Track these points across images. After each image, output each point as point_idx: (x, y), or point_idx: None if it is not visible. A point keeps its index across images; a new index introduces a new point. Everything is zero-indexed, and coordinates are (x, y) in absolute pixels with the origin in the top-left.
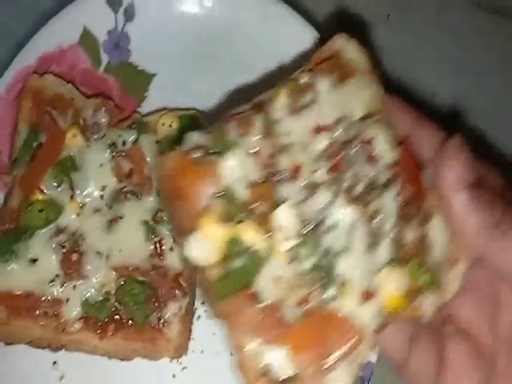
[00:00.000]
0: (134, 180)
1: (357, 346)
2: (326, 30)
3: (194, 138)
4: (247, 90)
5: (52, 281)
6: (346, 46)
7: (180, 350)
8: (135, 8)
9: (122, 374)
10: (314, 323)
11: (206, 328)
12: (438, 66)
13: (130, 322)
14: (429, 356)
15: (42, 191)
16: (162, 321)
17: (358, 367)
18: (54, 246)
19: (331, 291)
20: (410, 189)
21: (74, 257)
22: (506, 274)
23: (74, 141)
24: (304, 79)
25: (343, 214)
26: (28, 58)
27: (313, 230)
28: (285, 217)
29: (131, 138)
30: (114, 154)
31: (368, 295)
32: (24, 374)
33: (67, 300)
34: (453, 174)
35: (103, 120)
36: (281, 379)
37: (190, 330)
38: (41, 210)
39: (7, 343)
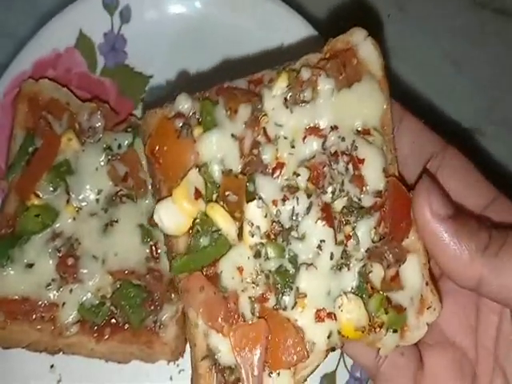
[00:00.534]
0: (130, 183)
1: (304, 359)
2: (321, 25)
3: (183, 101)
4: None
5: (48, 285)
6: (362, 43)
7: (177, 353)
8: (131, 10)
9: (119, 377)
10: (268, 325)
11: None
12: (439, 65)
13: (126, 325)
14: (406, 366)
15: (37, 196)
16: (158, 324)
17: (302, 378)
18: (50, 250)
19: (289, 299)
20: (388, 225)
21: (70, 261)
22: (504, 300)
23: (69, 145)
24: (307, 74)
25: (314, 228)
26: (24, 62)
27: (283, 233)
28: (256, 213)
29: (126, 142)
30: (110, 157)
31: (323, 315)
32: (22, 377)
33: (63, 304)
34: (428, 209)
35: (98, 124)
36: (221, 366)
37: None
38: (37, 215)
39: (4, 347)
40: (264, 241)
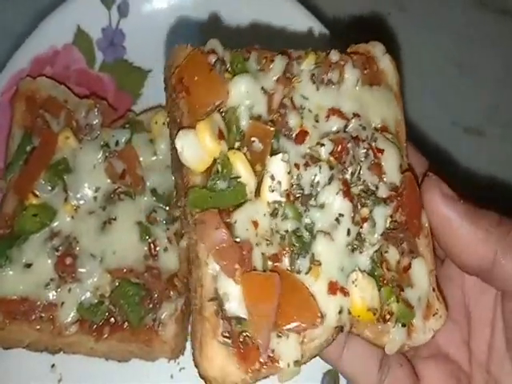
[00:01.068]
0: (128, 180)
1: (313, 327)
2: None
3: (215, 44)
4: None
5: (47, 285)
6: (380, 57)
7: (177, 351)
8: (129, 4)
9: (119, 376)
10: (281, 283)
11: None
12: (442, 66)
13: (126, 324)
14: (405, 378)
15: (35, 195)
16: (157, 322)
17: (310, 352)
18: (48, 250)
19: (304, 263)
20: (405, 213)
21: (69, 260)
22: None
23: (66, 143)
24: (336, 57)
25: (334, 199)
26: (22, 60)
27: (302, 198)
28: (280, 167)
29: (124, 138)
30: (107, 154)
31: (337, 288)
32: (23, 377)
33: (62, 303)
34: (439, 192)
35: (96, 121)
36: (229, 315)
37: (188, 330)
38: (35, 215)
39: (4, 348)
40: (283, 199)
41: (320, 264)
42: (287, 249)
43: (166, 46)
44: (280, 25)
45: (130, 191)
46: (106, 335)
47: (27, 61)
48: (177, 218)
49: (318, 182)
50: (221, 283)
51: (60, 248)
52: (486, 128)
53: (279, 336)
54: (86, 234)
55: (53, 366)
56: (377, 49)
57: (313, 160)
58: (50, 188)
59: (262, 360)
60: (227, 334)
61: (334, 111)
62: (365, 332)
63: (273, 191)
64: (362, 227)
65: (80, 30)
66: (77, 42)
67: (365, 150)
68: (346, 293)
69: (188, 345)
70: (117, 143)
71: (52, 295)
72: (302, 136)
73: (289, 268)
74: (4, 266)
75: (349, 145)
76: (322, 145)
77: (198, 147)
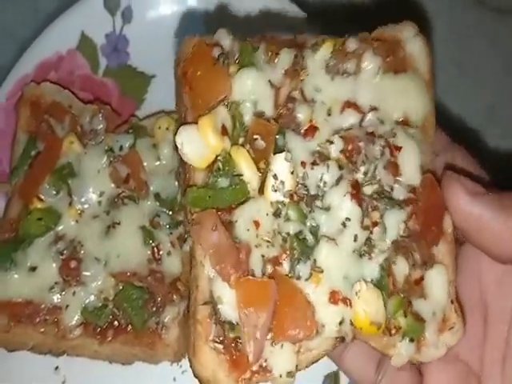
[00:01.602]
0: (131, 185)
1: (309, 339)
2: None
3: (223, 35)
4: None
5: (51, 288)
6: (411, 39)
7: (179, 354)
8: (133, 10)
9: (123, 378)
10: (278, 289)
11: None
12: (441, 65)
13: (129, 327)
14: (407, 382)
15: (40, 199)
16: (160, 325)
17: (306, 361)
18: (53, 253)
19: (304, 269)
20: (420, 222)
21: (73, 264)
22: None
23: (71, 148)
24: (353, 45)
25: (341, 202)
26: (27, 66)
27: (307, 199)
28: (283, 166)
29: (128, 143)
30: (112, 159)
31: (338, 298)
32: (27, 379)
33: (67, 307)
34: (464, 189)
35: (100, 126)
36: (222, 319)
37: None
38: (39, 219)
39: (9, 350)
40: (286, 200)
41: (322, 271)
42: (288, 252)
43: (170, 52)
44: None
45: (134, 196)
46: (109, 338)
47: (32, 66)
48: (180, 223)
49: (325, 183)
50: (216, 286)
51: (64, 252)
52: (486, 128)
53: (273, 345)
54: (90, 237)
55: (56, 368)
56: (407, 30)
57: (322, 158)
58: (54, 192)
59: (253, 369)
60: (219, 340)
61: (350, 104)
62: (369, 342)
63: (276, 191)
64: (371, 232)
65: (84, 36)
66: (81, 48)
67: (380, 148)
68: (348, 303)
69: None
70: (121, 148)
71: (56, 298)
72: (311, 131)
73: (288, 273)
74: (9, 269)
75: (360, 143)
76: (331, 142)
77: (199, 143)
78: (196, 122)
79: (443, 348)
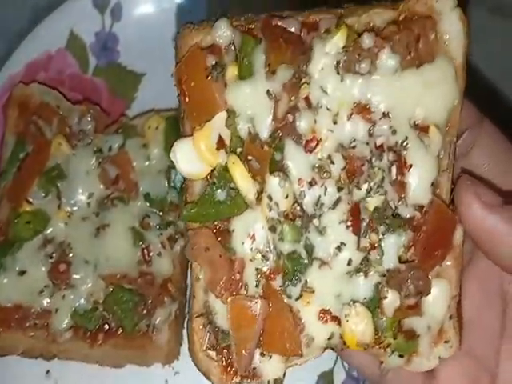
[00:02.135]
0: (121, 186)
1: (297, 355)
2: None
3: (223, 28)
4: None
5: (41, 292)
6: (447, 14)
7: (171, 356)
8: (122, 8)
9: (114, 381)
10: (269, 305)
11: None
12: None
13: (120, 330)
14: (413, 375)
15: (29, 202)
16: (151, 328)
17: (295, 365)
18: (42, 257)
19: (295, 290)
20: (418, 253)
21: (62, 267)
22: None
23: (59, 149)
24: (369, 42)
25: (337, 227)
26: (16, 66)
27: (303, 218)
28: (277, 191)
29: (117, 143)
30: (101, 160)
31: (328, 318)
32: (18, 383)
33: (56, 310)
34: (477, 201)
35: (89, 126)
36: (216, 328)
37: (182, 335)
38: (28, 222)
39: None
40: (281, 219)
41: (313, 291)
42: (281, 269)
43: (161, 49)
44: None
45: (124, 197)
46: (100, 341)
47: (21, 66)
48: (170, 223)
49: (322, 204)
50: (210, 298)
51: (54, 255)
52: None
53: (262, 354)
54: (79, 240)
55: (48, 372)
56: (443, 1)
57: (321, 174)
58: (43, 195)
59: (243, 374)
60: (213, 347)
61: (360, 109)
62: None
63: (270, 210)
64: (369, 253)
65: (73, 35)
66: (70, 47)
67: (388, 164)
68: (338, 321)
69: (182, 350)
70: (110, 149)
71: (46, 302)
72: (312, 143)
73: (280, 289)
74: None
75: (363, 167)
76: (332, 162)
77: (194, 158)
78: (191, 134)
79: (435, 360)
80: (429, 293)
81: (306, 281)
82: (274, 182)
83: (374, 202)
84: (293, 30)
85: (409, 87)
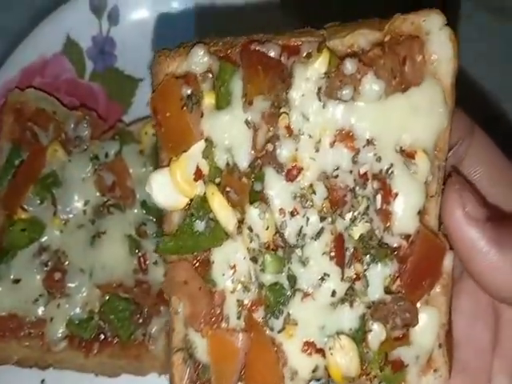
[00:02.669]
0: (117, 193)
1: None
2: None
3: (199, 55)
4: None
5: (36, 300)
6: (436, 33)
7: (167, 365)
8: (119, 11)
9: None
10: (250, 338)
11: None
12: None
13: (115, 339)
14: None
15: (24, 209)
16: (147, 337)
17: None
18: (36, 265)
19: (277, 323)
20: (404, 285)
21: (57, 276)
22: None
23: (55, 156)
24: (351, 67)
25: (320, 259)
26: (11, 71)
27: (285, 249)
28: (256, 222)
29: (114, 150)
30: (97, 167)
31: (312, 350)
32: None
33: (51, 319)
34: (462, 212)
35: (85, 133)
36: (196, 362)
37: None
38: (23, 230)
39: None
40: (263, 250)
41: (296, 323)
42: (263, 301)
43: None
44: None
45: (120, 204)
46: (95, 351)
47: (16, 71)
48: None
49: (304, 235)
50: (190, 332)
51: (49, 263)
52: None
53: None
54: (74, 248)
55: (43, 381)
56: (432, 20)
57: (303, 204)
58: (38, 202)
59: None
60: (193, 382)
61: (343, 136)
62: None
63: (251, 241)
64: (354, 283)
65: (70, 39)
66: (66, 52)
67: (373, 193)
68: (323, 353)
69: None
70: (106, 155)
71: (41, 311)
72: (294, 172)
73: (261, 322)
74: None
75: (346, 198)
76: (314, 192)
77: (171, 189)
78: (168, 164)
79: None
80: (416, 324)
81: (289, 313)
82: (253, 214)
83: (359, 229)
84: (272, 54)
85: (394, 112)
